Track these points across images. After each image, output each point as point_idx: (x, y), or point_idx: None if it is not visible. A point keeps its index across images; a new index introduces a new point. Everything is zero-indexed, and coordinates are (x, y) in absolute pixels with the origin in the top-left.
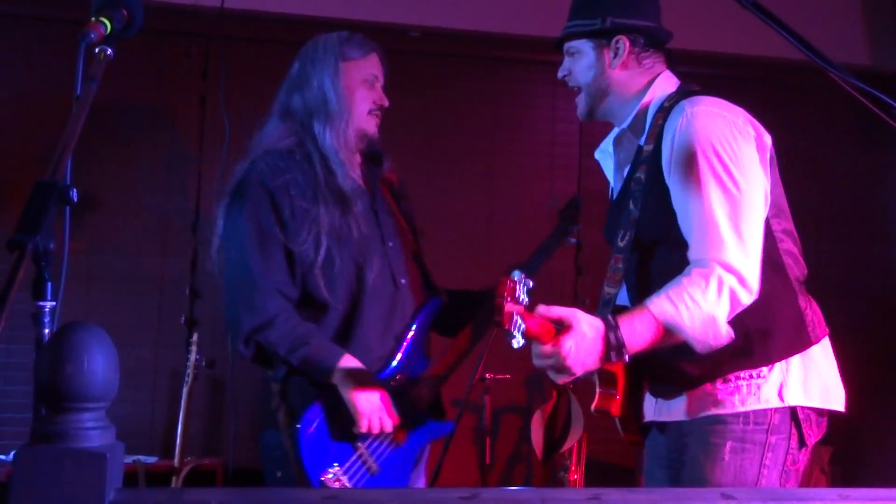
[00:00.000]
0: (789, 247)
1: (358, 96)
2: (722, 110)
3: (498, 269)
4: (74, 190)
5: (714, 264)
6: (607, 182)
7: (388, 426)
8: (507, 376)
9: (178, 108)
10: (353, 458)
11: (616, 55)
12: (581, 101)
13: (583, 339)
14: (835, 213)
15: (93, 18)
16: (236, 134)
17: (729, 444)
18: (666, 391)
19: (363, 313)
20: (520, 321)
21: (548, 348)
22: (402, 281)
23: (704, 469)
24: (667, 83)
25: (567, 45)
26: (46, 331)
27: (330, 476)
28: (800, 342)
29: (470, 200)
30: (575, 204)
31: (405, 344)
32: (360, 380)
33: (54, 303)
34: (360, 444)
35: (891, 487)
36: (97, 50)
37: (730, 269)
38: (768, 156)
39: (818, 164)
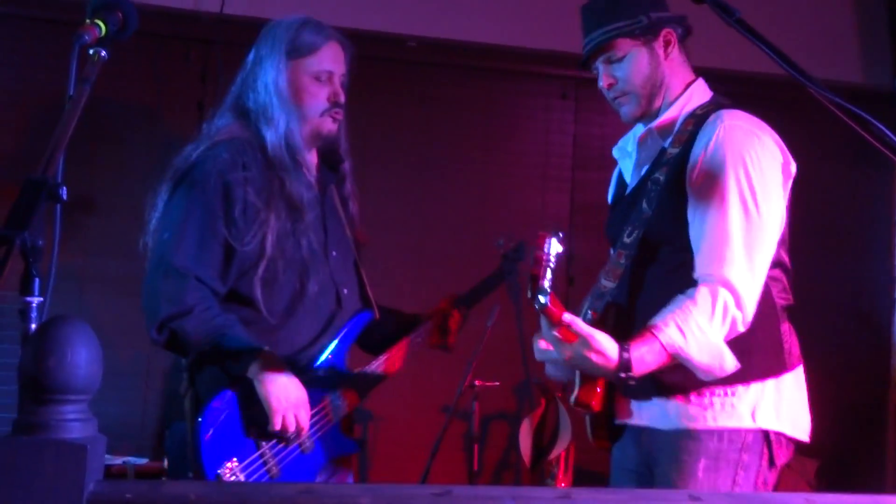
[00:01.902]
0: (778, 275)
1: (307, 96)
2: (758, 129)
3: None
4: (65, 188)
5: (719, 285)
6: (601, 192)
7: (305, 424)
8: (497, 383)
9: (176, 111)
10: (255, 456)
11: (667, 48)
12: (632, 104)
13: (601, 353)
14: (818, 226)
15: (87, 20)
16: None
17: (702, 461)
18: (638, 393)
19: (296, 324)
20: (548, 288)
21: (567, 350)
22: (345, 291)
23: (677, 486)
24: (702, 91)
25: (608, 54)
26: (33, 325)
27: (226, 470)
28: (776, 367)
29: (462, 209)
30: (519, 249)
31: (326, 355)
32: (277, 375)
33: (41, 298)
34: (263, 444)
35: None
36: (91, 52)
37: (733, 290)
38: (790, 184)
39: (803, 178)
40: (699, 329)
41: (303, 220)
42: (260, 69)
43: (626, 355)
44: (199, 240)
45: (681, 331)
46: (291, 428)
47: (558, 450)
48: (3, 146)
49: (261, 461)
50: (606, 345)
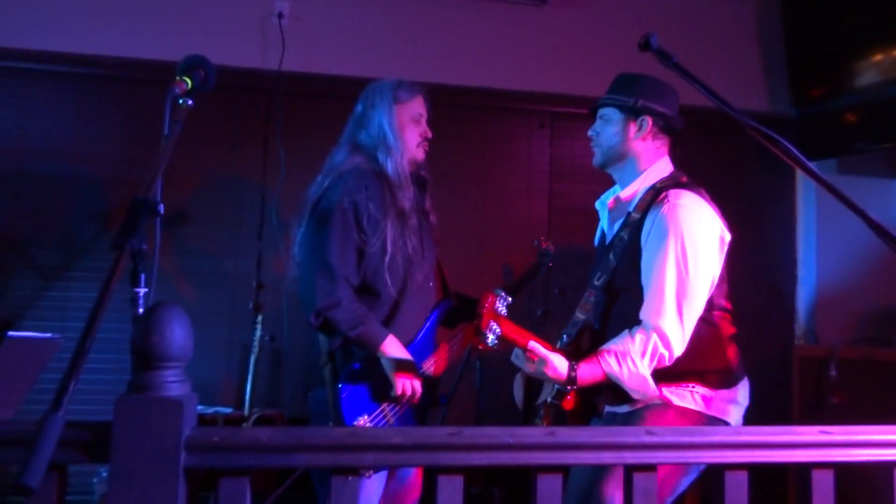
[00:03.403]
0: (725, 315)
1: (408, 132)
2: (697, 207)
3: (489, 271)
4: (162, 205)
5: (653, 331)
6: (573, 200)
7: (418, 390)
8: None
9: (245, 147)
10: (378, 412)
11: (639, 130)
12: (598, 155)
13: (554, 370)
14: (738, 221)
15: (178, 77)
16: (290, 167)
17: (671, 412)
18: (608, 400)
19: (406, 303)
20: (496, 326)
21: (530, 366)
22: (431, 284)
23: (647, 421)
24: (663, 168)
25: (601, 112)
26: (140, 310)
27: (360, 423)
28: (725, 383)
29: (465, 217)
30: (549, 250)
31: (422, 332)
32: (400, 356)
33: (146, 289)
34: (384, 404)
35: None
36: (181, 101)
37: (662, 335)
38: (725, 248)
39: (730, 190)
40: (633, 363)
41: (407, 225)
42: (373, 112)
43: (573, 374)
44: (342, 246)
45: (618, 362)
46: (409, 393)
47: (543, 397)
48: (111, 176)
49: (381, 415)
50: (559, 364)
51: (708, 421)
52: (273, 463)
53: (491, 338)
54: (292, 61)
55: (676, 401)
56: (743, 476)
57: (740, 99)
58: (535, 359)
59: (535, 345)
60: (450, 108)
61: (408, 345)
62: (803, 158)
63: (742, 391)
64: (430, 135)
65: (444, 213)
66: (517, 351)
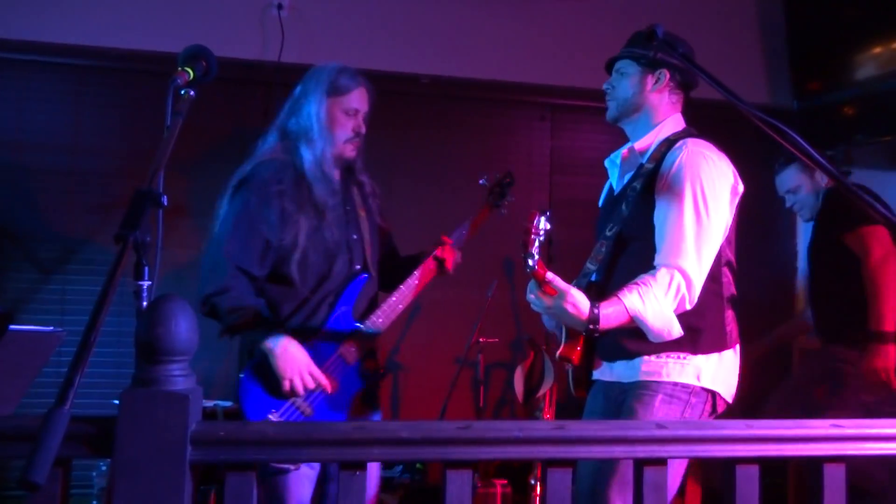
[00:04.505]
0: (727, 271)
1: (338, 126)
2: (714, 155)
3: (489, 262)
4: (165, 196)
5: (675, 270)
6: (573, 191)
7: (310, 384)
8: (496, 340)
9: (245, 137)
10: (288, 405)
11: (656, 82)
12: (612, 108)
13: (575, 306)
14: (743, 214)
15: (179, 68)
16: None
17: (660, 396)
18: (608, 355)
19: (322, 295)
20: (535, 252)
21: (548, 300)
22: (357, 266)
23: (637, 413)
24: (676, 123)
25: (618, 65)
26: (145, 303)
27: (269, 419)
28: (719, 344)
29: (466, 209)
30: (504, 180)
31: (335, 309)
32: (284, 349)
33: (150, 282)
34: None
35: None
36: (182, 92)
37: (685, 275)
38: (737, 200)
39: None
40: (656, 299)
41: (325, 218)
42: (305, 101)
43: (595, 311)
44: (243, 236)
45: (641, 299)
46: (300, 389)
47: (544, 389)
48: (112, 169)
49: (293, 407)
50: (580, 299)
51: (708, 392)
52: (279, 457)
53: (531, 262)
54: (292, 53)
55: (667, 376)
56: (754, 470)
57: (741, 90)
58: (554, 293)
59: (553, 276)
60: (450, 100)
61: (320, 327)
62: (810, 149)
63: (734, 357)
64: (363, 130)
65: (446, 205)
66: (531, 285)
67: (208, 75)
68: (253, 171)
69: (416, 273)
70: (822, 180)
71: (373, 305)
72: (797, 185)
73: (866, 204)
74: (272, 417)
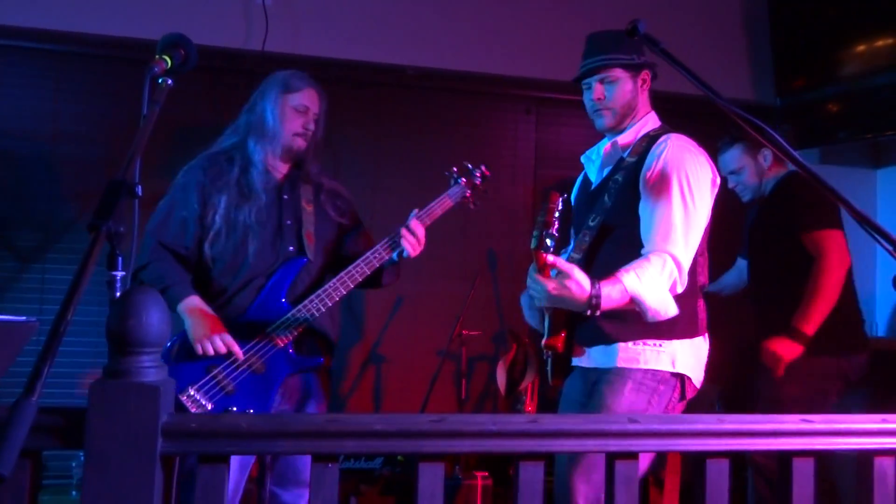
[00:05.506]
0: (702, 261)
1: (288, 120)
2: (696, 150)
3: (473, 255)
4: (140, 186)
5: (667, 255)
6: (561, 185)
7: (221, 349)
8: (479, 332)
9: (227, 126)
10: (207, 378)
11: (643, 84)
12: (609, 117)
13: (578, 285)
14: (724, 210)
15: (157, 56)
16: None
17: (629, 384)
18: (587, 340)
19: (239, 273)
20: (555, 234)
21: (550, 282)
22: (290, 249)
23: (605, 398)
24: (654, 120)
25: (605, 75)
26: (117, 294)
27: (187, 397)
28: (691, 330)
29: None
30: (469, 170)
31: (263, 291)
32: (194, 312)
33: (123, 272)
34: (214, 369)
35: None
36: (160, 80)
37: (676, 260)
38: (715, 192)
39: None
40: (652, 279)
41: (251, 200)
42: (260, 99)
43: (596, 290)
44: (166, 216)
45: (639, 278)
46: (210, 352)
47: (525, 382)
48: (91, 157)
49: (213, 381)
50: (583, 278)
51: (678, 379)
52: (253, 449)
53: (549, 242)
54: (276, 42)
55: (644, 364)
56: (725, 464)
57: (724, 87)
58: (549, 276)
59: (556, 257)
60: (436, 92)
61: (247, 308)
62: (789, 147)
63: (703, 344)
64: (312, 127)
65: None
66: (532, 270)
67: (187, 64)
68: (192, 162)
69: (360, 261)
70: (766, 162)
71: (312, 291)
72: (741, 166)
73: (844, 202)
74: (191, 391)
